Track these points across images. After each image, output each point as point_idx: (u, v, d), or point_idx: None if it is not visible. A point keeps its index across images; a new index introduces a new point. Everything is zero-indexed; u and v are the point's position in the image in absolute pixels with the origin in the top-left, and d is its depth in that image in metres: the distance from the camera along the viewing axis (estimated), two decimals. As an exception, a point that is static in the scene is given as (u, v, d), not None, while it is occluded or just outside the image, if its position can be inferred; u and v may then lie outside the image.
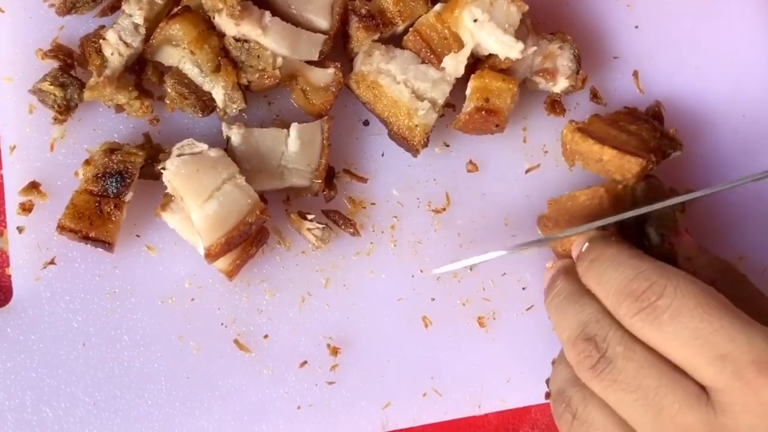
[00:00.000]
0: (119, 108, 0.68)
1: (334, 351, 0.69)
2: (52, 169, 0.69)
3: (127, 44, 0.67)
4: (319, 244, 0.69)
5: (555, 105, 0.73)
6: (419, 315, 0.70)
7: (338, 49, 0.71)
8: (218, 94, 0.67)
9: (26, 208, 0.68)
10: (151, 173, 0.67)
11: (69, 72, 0.68)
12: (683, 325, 0.52)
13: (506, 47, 0.67)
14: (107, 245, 0.65)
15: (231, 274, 0.67)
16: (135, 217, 0.68)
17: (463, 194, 0.72)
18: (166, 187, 0.65)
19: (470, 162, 0.72)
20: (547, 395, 0.66)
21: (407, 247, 0.71)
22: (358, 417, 0.69)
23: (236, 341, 0.69)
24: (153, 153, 0.68)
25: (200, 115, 0.68)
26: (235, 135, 0.67)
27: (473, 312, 0.71)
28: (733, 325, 0.51)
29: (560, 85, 0.70)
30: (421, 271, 0.70)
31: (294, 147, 0.68)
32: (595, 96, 0.74)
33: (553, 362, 0.64)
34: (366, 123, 0.72)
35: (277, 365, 0.69)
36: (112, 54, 0.66)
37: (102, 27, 0.68)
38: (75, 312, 0.68)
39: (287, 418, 0.68)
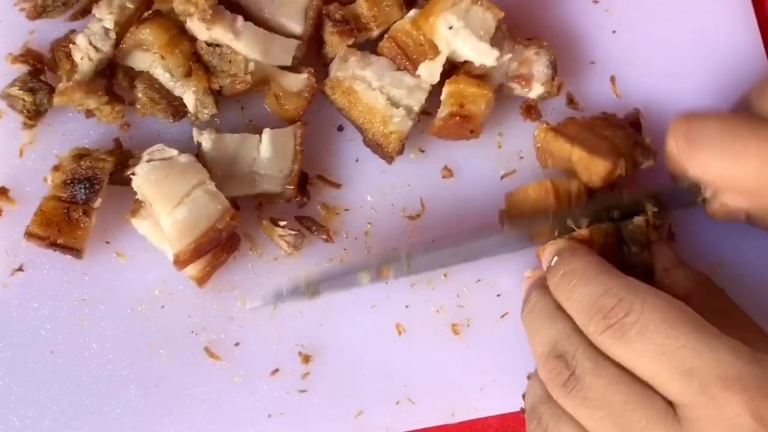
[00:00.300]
0: (89, 113, 0.68)
1: (306, 359, 0.69)
2: (21, 174, 0.68)
3: (97, 49, 0.66)
4: (292, 251, 0.68)
5: (530, 110, 0.72)
6: (392, 322, 0.70)
7: (312, 54, 0.70)
8: (189, 99, 0.67)
9: (-5, 214, 0.68)
10: (121, 179, 0.66)
11: (39, 77, 0.68)
12: (650, 341, 0.52)
13: (481, 54, 0.67)
14: (76, 252, 0.65)
15: (201, 281, 0.66)
16: (104, 224, 0.67)
17: (438, 200, 0.71)
18: (136, 193, 0.64)
19: (445, 168, 0.72)
20: (523, 411, 0.66)
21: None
22: (330, 425, 0.68)
23: (207, 349, 0.68)
24: (123, 158, 0.67)
25: (171, 120, 0.68)
26: (206, 140, 0.67)
27: (447, 319, 0.70)
28: (699, 339, 0.51)
29: (535, 91, 0.69)
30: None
31: (266, 153, 0.67)
32: (571, 101, 0.73)
33: (529, 377, 0.63)
34: (340, 128, 0.72)
35: (248, 373, 0.68)
36: (82, 58, 0.66)
37: (73, 31, 0.67)
38: (43, 319, 0.67)
39: (258, 427, 0.68)
